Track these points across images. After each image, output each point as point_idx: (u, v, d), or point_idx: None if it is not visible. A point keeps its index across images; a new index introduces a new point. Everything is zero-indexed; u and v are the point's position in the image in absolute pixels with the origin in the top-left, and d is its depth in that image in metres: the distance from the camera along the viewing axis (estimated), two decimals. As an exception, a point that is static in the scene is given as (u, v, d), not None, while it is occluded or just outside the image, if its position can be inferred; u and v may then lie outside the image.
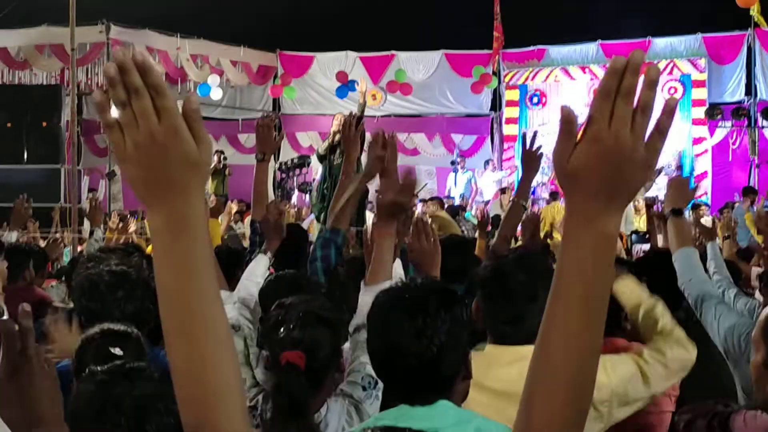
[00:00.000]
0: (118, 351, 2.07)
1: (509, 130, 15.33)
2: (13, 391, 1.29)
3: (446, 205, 11.04)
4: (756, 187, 12.25)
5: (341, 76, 15.23)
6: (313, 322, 2.13)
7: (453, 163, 14.46)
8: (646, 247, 6.54)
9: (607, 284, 1.09)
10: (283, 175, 13.17)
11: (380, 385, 2.16)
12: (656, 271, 3.13)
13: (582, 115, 0.93)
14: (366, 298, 2.38)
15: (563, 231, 1.09)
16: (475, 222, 8.06)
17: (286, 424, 1.91)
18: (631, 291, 2.51)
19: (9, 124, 11.52)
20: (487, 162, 14.75)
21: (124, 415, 1.64)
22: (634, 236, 9.39)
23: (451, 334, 1.70)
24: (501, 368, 2.12)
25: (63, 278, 4.95)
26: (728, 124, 13.64)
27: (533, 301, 2.11)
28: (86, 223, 6.87)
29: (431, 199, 10.71)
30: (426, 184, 10.14)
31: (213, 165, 12.20)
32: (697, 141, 14.09)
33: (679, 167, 13.70)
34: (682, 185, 3.52)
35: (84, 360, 2.07)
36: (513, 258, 2.38)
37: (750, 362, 2.07)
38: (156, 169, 1.01)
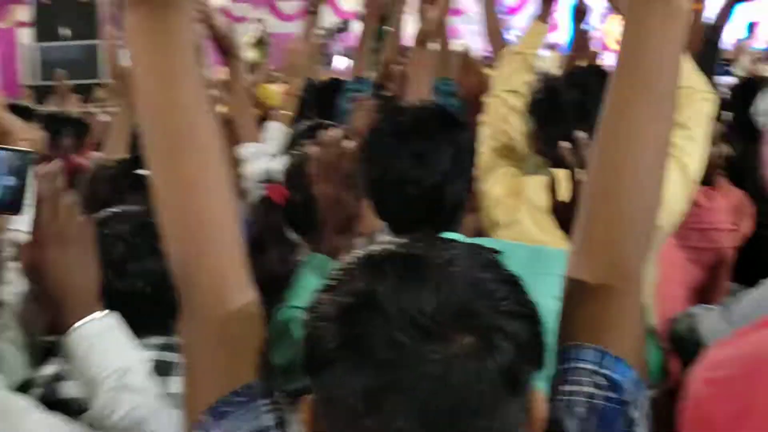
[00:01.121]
0: None
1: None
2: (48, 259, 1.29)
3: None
4: None
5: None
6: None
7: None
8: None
9: (674, 66, 0.96)
10: (324, 42, 12.93)
11: None
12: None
13: None
14: None
15: (627, 4, 0.95)
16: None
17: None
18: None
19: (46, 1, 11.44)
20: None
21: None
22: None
23: (456, 160, 1.55)
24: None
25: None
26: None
27: (588, 119, 1.98)
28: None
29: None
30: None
31: (251, 35, 12.04)
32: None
33: None
34: None
35: None
36: (564, 77, 2.25)
37: None
38: None
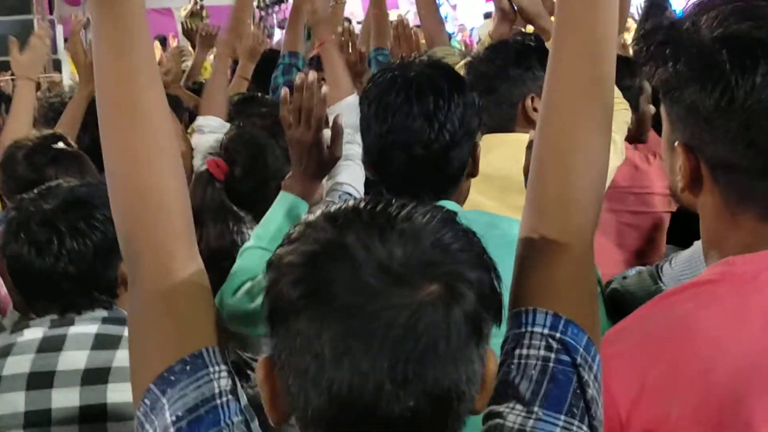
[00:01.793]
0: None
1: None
2: None
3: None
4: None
5: None
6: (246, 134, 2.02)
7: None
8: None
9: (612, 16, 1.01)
10: (263, 13, 12.77)
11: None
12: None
13: None
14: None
15: None
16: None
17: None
18: None
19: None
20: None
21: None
22: None
23: (463, 121, 1.51)
24: (494, 152, 2.02)
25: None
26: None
27: (489, 94, 2.04)
28: (65, 72, 6.73)
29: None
30: (408, 11, 9.84)
31: (189, 8, 11.84)
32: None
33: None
34: None
35: None
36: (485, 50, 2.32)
37: None
38: None
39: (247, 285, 1.66)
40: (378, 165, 1.57)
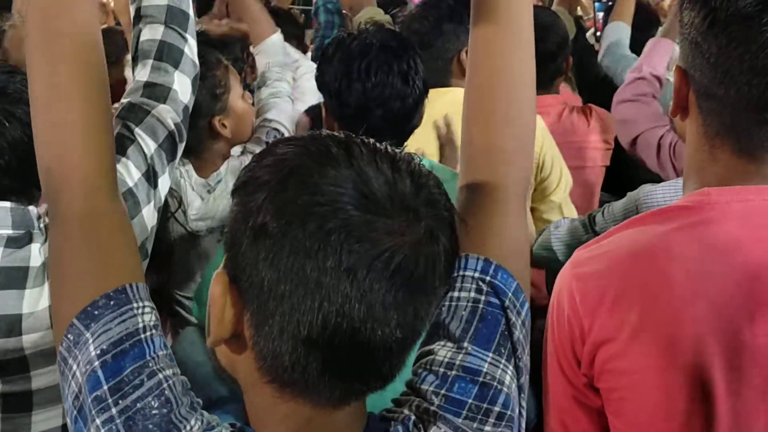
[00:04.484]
0: None
1: None
2: None
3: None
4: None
5: None
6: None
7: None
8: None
9: None
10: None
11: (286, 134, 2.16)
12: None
13: None
14: (261, 59, 2.36)
15: None
16: None
17: None
18: None
19: None
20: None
21: None
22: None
23: (424, 81, 1.69)
24: (433, 105, 2.09)
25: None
26: None
27: (424, 49, 2.11)
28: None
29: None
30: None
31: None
32: None
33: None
34: None
35: None
36: (418, 7, 2.41)
37: None
38: None
39: None
40: (356, 119, 1.65)
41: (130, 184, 1.41)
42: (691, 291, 1.05)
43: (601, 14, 4.21)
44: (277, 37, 2.44)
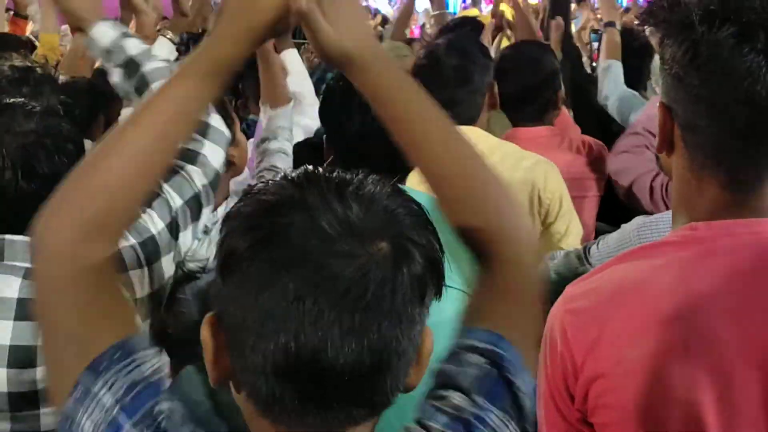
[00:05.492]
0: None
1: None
2: None
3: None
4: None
5: None
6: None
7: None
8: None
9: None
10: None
11: None
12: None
13: None
14: (271, 120, 2.45)
15: None
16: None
17: None
18: None
19: None
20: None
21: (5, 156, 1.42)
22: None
23: None
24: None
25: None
26: None
27: (466, 84, 2.10)
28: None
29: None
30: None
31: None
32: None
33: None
34: None
35: None
36: (444, 43, 2.36)
37: None
38: None
39: None
40: (355, 151, 1.64)
41: (154, 232, 1.46)
42: (681, 327, 1.07)
43: (596, 44, 4.30)
44: (291, 106, 2.50)
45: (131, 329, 0.93)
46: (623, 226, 1.93)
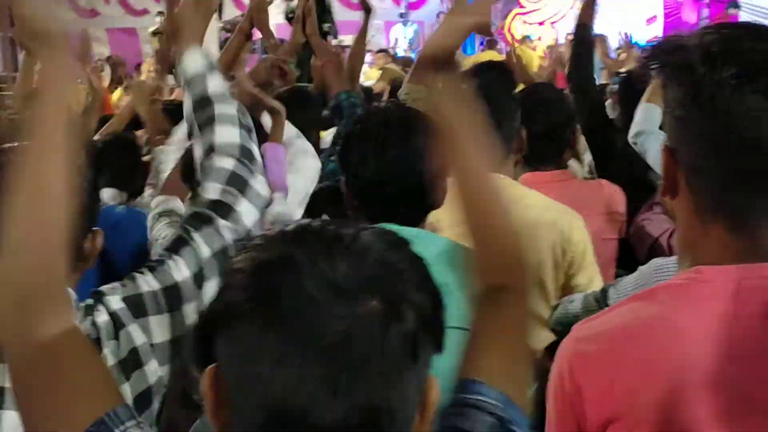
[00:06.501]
0: None
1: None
2: None
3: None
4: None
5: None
6: None
7: (402, 15, 14.12)
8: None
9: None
10: (228, 35, 12.78)
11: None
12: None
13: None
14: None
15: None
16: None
17: None
18: None
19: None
20: (438, 14, 14.42)
21: None
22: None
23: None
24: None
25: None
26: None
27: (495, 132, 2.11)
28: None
29: (379, 51, 10.52)
30: (374, 36, 9.93)
31: (154, 27, 11.85)
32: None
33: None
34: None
35: None
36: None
37: None
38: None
39: None
40: (371, 194, 1.68)
41: (178, 279, 1.47)
42: (690, 371, 1.06)
43: (616, 86, 4.28)
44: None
45: (112, 401, 0.96)
46: (640, 268, 1.92)
